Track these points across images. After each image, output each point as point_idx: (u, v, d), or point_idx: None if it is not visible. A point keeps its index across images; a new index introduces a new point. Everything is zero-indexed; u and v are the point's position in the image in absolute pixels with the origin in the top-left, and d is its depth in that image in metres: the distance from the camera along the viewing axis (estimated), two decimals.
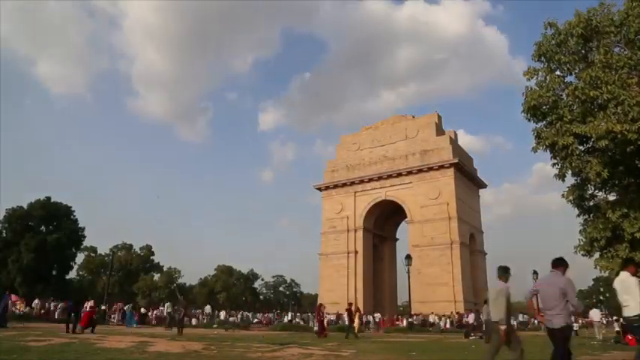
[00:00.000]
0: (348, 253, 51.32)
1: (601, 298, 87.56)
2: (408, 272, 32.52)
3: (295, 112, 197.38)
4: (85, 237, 61.72)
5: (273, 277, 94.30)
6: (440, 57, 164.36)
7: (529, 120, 12.03)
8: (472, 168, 54.92)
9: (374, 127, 56.61)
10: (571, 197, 12.39)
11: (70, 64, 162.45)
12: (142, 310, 36.77)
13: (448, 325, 35.72)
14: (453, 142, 51.24)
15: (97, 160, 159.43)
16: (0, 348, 10.15)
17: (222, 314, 42.00)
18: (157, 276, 77.77)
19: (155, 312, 36.97)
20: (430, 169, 48.37)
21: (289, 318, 44.65)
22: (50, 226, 58.15)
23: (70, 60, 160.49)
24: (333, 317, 37.90)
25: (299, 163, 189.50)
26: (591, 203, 12.90)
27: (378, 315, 41.76)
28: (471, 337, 21.71)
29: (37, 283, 51.90)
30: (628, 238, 10.81)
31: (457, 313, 39.01)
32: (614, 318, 42.47)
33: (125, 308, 32.21)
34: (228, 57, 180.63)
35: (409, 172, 49.52)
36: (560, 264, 6.58)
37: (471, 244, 50.44)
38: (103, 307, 31.70)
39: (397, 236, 61.15)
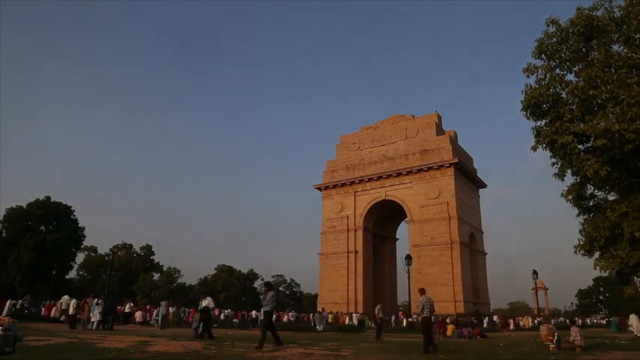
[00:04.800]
0: (348, 253, 51.29)
1: (601, 297, 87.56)
2: (408, 272, 32.44)
3: None
4: (85, 237, 61.80)
5: (273, 276, 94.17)
6: None
7: (528, 118, 11.99)
8: (472, 168, 54.87)
9: (374, 126, 56.55)
10: (570, 196, 12.35)
11: None
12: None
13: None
14: (453, 141, 51.19)
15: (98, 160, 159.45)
16: None
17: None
18: (156, 275, 77.82)
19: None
20: (430, 168, 48.34)
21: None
22: (50, 226, 58.12)
23: None
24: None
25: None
26: (591, 203, 12.85)
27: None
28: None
29: (36, 283, 51.88)
30: (627, 237, 10.76)
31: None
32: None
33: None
34: None
35: (409, 172, 49.49)
36: None
37: (471, 244, 50.43)
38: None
39: (397, 236, 61.19)
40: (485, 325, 36.19)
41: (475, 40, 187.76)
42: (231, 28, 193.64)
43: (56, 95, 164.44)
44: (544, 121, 12.00)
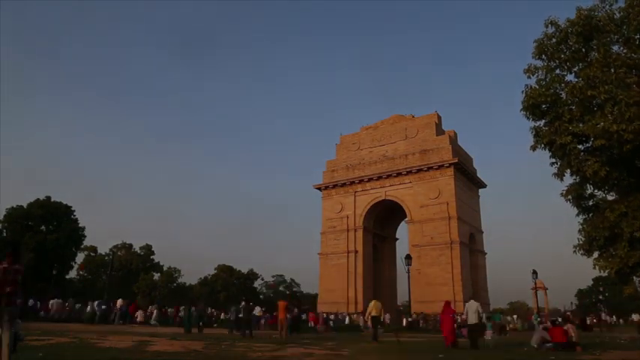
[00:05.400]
0: (347, 253, 51.27)
1: (600, 297, 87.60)
2: (408, 272, 32.47)
3: None
4: (85, 237, 61.78)
5: (273, 276, 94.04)
6: None
7: (528, 118, 12.03)
8: (472, 168, 54.86)
9: (374, 126, 56.53)
10: (570, 196, 12.37)
11: None
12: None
13: None
14: (453, 141, 51.18)
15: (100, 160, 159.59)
16: None
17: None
18: (156, 275, 77.83)
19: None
20: (430, 168, 48.32)
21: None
22: (50, 226, 58.08)
23: None
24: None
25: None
26: (590, 203, 12.88)
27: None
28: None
29: (37, 283, 51.85)
30: (627, 237, 10.78)
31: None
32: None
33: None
34: None
35: (409, 172, 49.46)
36: None
37: (471, 243, 50.41)
38: (103, 307, 31.49)
39: (397, 236, 61.13)
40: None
41: (476, 39, 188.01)
42: (229, 27, 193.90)
43: (56, 95, 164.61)
44: (543, 121, 12.04)
